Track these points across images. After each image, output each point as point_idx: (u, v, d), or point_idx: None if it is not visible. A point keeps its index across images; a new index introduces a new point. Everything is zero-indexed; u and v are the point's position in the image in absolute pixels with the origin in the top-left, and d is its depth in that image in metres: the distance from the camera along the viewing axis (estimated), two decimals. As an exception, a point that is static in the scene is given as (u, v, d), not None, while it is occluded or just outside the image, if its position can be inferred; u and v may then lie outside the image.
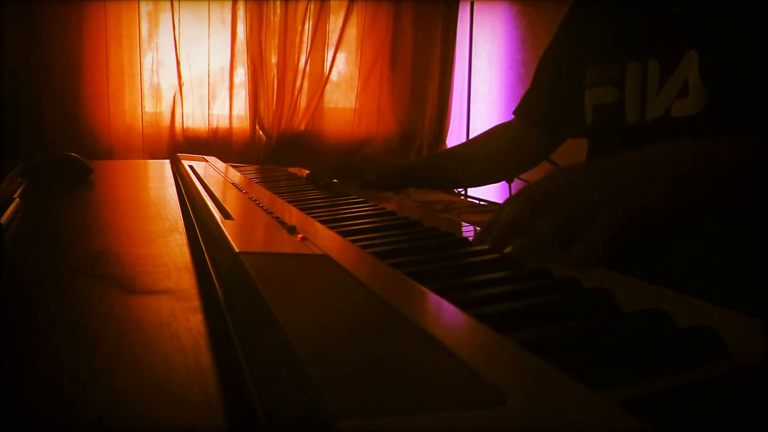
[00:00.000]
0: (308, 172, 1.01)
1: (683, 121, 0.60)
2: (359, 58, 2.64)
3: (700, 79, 0.58)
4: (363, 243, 0.46)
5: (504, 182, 2.20)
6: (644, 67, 0.65)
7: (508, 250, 0.44)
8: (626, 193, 0.43)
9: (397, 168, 0.96)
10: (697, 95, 0.59)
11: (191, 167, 0.90)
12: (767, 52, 0.54)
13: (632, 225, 0.42)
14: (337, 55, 2.59)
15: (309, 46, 2.54)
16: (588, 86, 0.73)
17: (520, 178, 2.18)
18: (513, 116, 0.96)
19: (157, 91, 2.37)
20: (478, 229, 0.52)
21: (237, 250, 0.34)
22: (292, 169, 1.21)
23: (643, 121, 0.65)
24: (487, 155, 0.97)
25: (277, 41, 2.48)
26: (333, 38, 2.58)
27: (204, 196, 0.56)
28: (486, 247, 0.45)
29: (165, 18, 2.34)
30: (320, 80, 2.58)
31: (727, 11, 0.58)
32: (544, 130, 0.90)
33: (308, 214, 0.56)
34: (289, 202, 0.66)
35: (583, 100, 0.75)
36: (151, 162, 1.45)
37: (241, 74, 2.47)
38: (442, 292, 0.29)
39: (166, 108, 2.39)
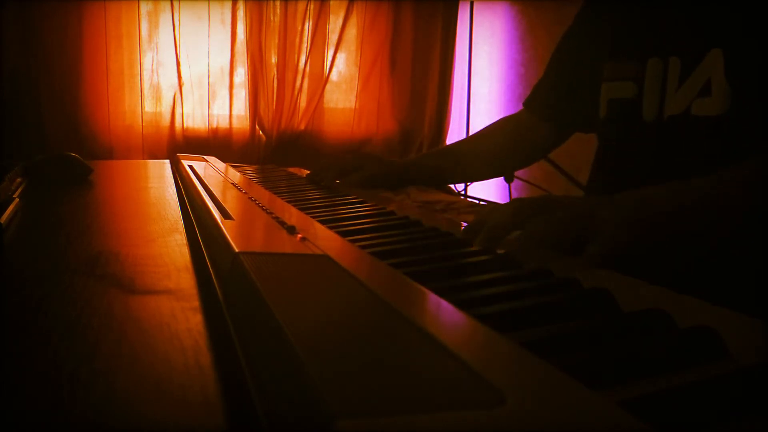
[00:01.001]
0: (308, 172, 1.01)
1: (704, 121, 0.59)
2: (359, 58, 2.64)
3: (726, 79, 0.57)
4: (363, 243, 0.46)
5: (504, 182, 2.21)
6: (665, 64, 0.64)
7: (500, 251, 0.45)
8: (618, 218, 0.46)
9: (398, 166, 0.95)
10: (721, 96, 0.58)
11: (191, 167, 0.90)
12: None
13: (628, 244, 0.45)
14: (337, 55, 2.59)
15: (309, 46, 2.54)
16: (605, 80, 0.72)
17: (519, 178, 2.19)
18: (520, 108, 0.95)
19: (157, 91, 2.37)
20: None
21: (237, 250, 0.34)
22: (292, 169, 1.21)
23: (660, 119, 0.64)
24: (488, 150, 0.97)
25: (277, 41, 2.48)
26: (333, 38, 2.58)
27: (204, 196, 0.56)
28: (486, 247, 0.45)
29: (165, 18, 2.34)
30: (320, 80, 2.58)
31: (755, 10, 0.57)
32: (553, 124, 0.89)
33: (308, 214, 0.56)
34: (289, 202, 0.66)
35: (598, 94, 0.74)
36: (151, 162, 1.45)
37: (241, 74, 2.47)
38: (442, 292, 0.29)
39: (166, 108, 2.39)
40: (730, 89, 0.57)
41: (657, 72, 0.65)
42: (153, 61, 2.34)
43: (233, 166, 1.12)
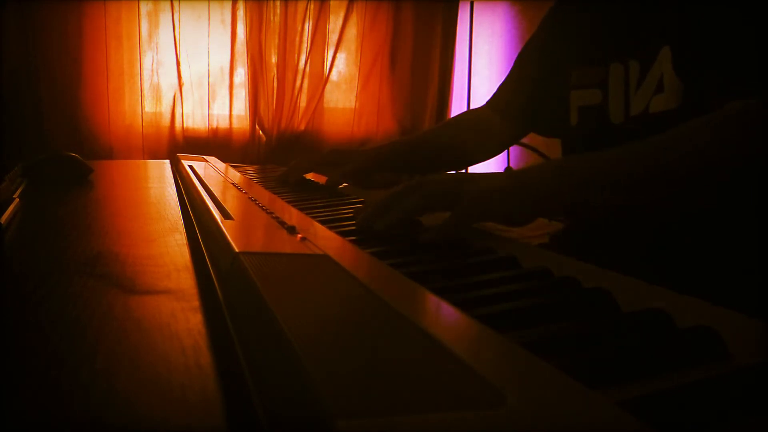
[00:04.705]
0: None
1: (661, 117, 0.61)
2: (359, 58, 2.64)
3: (675, 74, 0.59)
4: (363, 243, 0.46)
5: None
6: (626, 68, 0.66)
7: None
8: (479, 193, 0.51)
9: (371, 157, 0.89)
10: (672, 90, 0.59)
11: (191, 167, 0.90)
12: (740, 44, 0.54)
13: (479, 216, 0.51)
14: (337, 55, 2.59)
15: (309, 46, 2.54)
16: (573, 87, 0.74)
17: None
18: (485, 106, 0.95)
19: (157, 91, 2.37)
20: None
21: (237, 250, 0.34)
22: (292, 169, 1.20)
23: (626, 121, 0.66)
24: (462, 143, 0.95)
25: (277, 41, 2.48)
26: (333, 38, 2.58)
27: (204, 196, 0.56)
28: (487, 247, 0.45)
29: (165, 18, 2.34)
30: (320, 80, 2.58)
31: (697, 5, 0.58)
32: (520, 124, 0.89)
33: (308, 214, 0.56)
34: (289, 202, 0.66)
35: (567, 101, 0.75)
36: (151, 162, 1.45)
37: (241, 74, 2.47)
38: (442, 292, 0.29)
39: (166, 108, 2.39)
40: (681, 84, 0.59)
41: (619, 76, 0.67)
42: (153, 61, 2.34)
43: (233, 166, 1.12)
